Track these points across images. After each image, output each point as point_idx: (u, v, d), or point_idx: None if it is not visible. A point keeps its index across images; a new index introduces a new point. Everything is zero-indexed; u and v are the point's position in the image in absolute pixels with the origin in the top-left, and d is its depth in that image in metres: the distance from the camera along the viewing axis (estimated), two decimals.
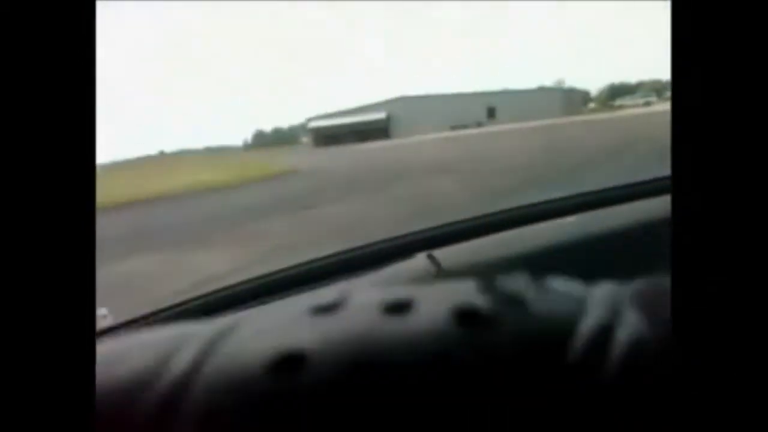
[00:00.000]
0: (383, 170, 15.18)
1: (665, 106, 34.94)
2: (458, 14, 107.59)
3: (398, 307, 0.29)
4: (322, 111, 54.23)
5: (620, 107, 46.38)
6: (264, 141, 74.31)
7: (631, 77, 72.97)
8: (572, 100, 53.60)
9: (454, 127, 44.54)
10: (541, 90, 52.94)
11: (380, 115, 50.12)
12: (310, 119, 53.48)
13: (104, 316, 0.85)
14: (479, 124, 45.91)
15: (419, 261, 0.90)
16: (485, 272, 0.78)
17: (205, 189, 14.72)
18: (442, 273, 0.82)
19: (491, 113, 49.38)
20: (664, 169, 0.67)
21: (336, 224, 6.95)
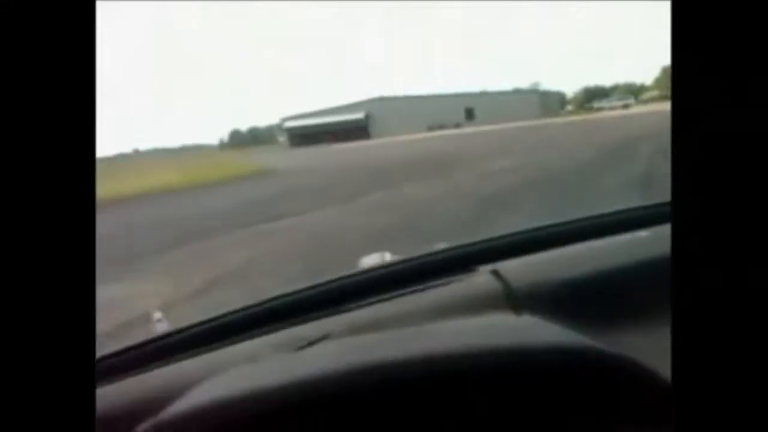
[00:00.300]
0: (361, 172, 14.46)
1: (643, 108, 36.43)
2: (438, 15, 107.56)
3: None
4: (300, 111, 53.18)
5: (599, 110, 46.47)
6: (240, 140, 73.44)
7: (606, 80, 73.98)
8: (550, 102, 53.89)
9: (432, 128, 44.16)
10: (519, 92, 53.02)
11: (358, 115, 49.55)
12: (285, 119, 52.83)
13: (159, 320, 0.80)
14: (458, 125, 45.60)
15: (482, 277, 0.78)
16: (557, 292, 0.68)
17: (166, 191, 13.93)
18: (511, 293, 0.71)
19: (470, 114, 49.28)
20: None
21: (301, 241, 5.92)
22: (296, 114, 52.46)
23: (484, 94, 51.62)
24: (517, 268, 0.78)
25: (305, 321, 0.75)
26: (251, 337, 0.73)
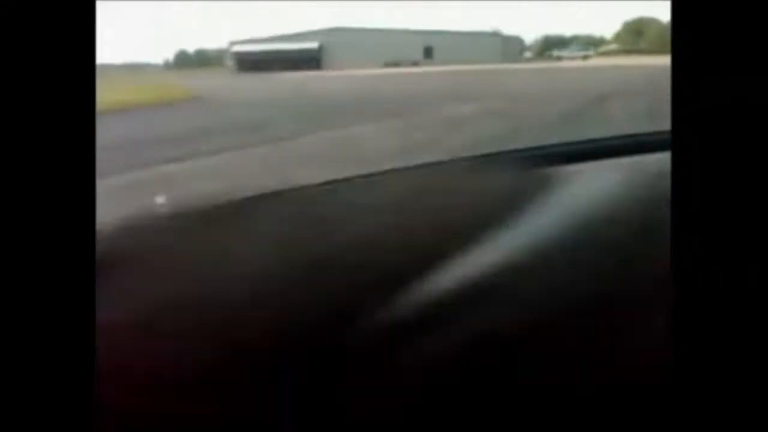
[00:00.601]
0: (306, 106, 12.88)
1: (605, 61, 36.06)
2: None
3: None
4: (252, 36, 49.61)
5: (558, 58, 45.93)
6: (186, 62, 69.77)
7: (565, 30, 72.96)
8: (511, 47, 52.62)
9: (388, 64, 42.19)
10: (480, 35, 51.27)
11: (312, 44, 46.55)
12: (233, 42, 49.16)
13: (162, 204, 0.81)
14: (415, 63, 43.78)
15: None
16: None
17: None
18: None
19: (428, 53, 47.53)
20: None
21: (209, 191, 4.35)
22: (248, 39, 48.92)
23: (444, 33, 49.66)
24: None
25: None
26: None
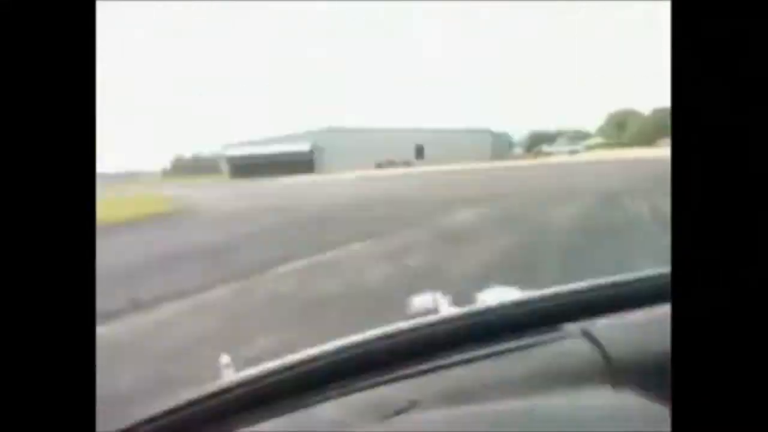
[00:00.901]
0: (291, 220, 11.97)
1: (593, 156, 36.67)
2: (384, 49, 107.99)
3: None
4: (245, 138, 50.42)
5: (548, 154, 46.90)
6: (183, 167, 70.88)
7: (550, 126, 75.43)
8: (500, 143, 53.64)
9: (381, 165, 42.46)
10: (470, 132, 52.34)
11: (304, 146, 47.18)
12: (227, 146, 49.83)
13: (227, 364, 0.70)
14: (407, 163, 44.13)
15: (573, 340, 0.71)
16: (660, 363, 0.58)
17: None
18: (608, 362, 0.65)
19: (420, 152, 48.16)
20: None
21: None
22: (240, 141, 49.67)
23: (434, 131, 50.67)
24: (609, 330, 0.71)
25: (382, 377, 0.68)
26: (325, 396, 0.66)
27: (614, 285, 0.81)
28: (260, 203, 16.77)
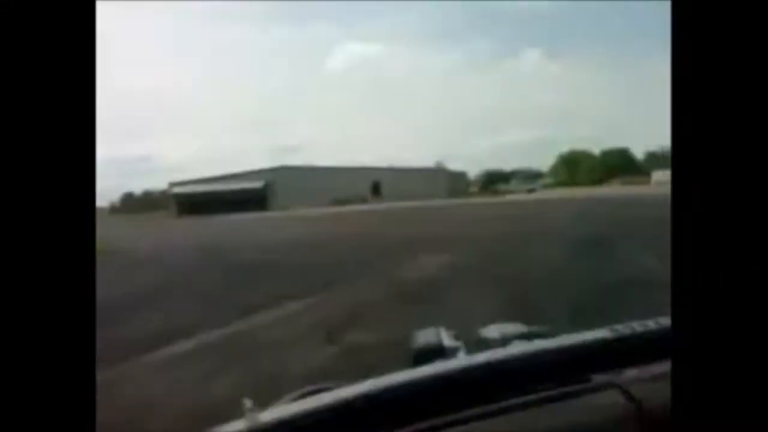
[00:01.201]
0: (230, 263, 10.54)
1: (549, 195, 36.87)
2: (339, 84, 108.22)
3: None
4: (195, 175, 48.48)
5: (505, 192, 47.23)
6: (133, 204, 68.53)
7: (504, 165, 76.59)
8: (456, 182, 53.66)
9: (337, 202, 41.33)
10: (426, 170, 52.20)
11: (257, 184, 45.65)
12: (173, 184, 47.72)
13: (250, 409, 0.67)
14: (363, 200, 43.19)
15: (606, 395, 0.69)
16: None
17: None
18: (644, 417, 0.63)
19: (376, 189, 47.49)
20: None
21: None
22: (189, 179, 47.67)
23: (391, 169, 50.24)
24: (643, 383, 0.70)
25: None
26: None
27: (642, 334, 0.73)
28: (198, 242, 15.17)
